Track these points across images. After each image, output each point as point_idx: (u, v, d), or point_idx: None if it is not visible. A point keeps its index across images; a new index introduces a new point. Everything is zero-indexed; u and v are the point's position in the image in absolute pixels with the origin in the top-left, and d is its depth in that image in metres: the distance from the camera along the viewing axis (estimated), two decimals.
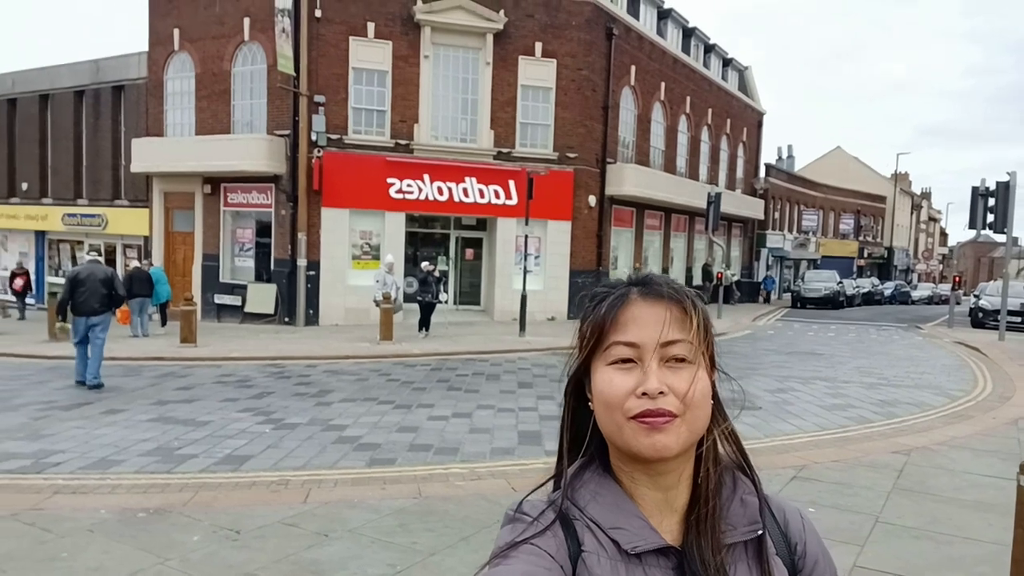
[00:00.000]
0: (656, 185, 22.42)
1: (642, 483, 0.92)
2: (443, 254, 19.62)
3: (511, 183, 18.65)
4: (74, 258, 22.82)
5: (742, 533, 0.92)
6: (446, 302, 18.68)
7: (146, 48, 20.22)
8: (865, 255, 49.51)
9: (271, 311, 17.67)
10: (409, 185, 18.03)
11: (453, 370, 11.66)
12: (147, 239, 20.32)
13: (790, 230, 38.93)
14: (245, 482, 5.75)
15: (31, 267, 23.67)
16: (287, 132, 17.67)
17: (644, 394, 0.86)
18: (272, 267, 18.09)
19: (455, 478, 5.95)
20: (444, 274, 19.14)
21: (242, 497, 5.38)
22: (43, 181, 23.05)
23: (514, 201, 18.56)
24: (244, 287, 18.18)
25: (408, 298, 16.62)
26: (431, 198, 18.24)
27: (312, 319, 17.55)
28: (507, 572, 0.84)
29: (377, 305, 14.38)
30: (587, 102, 19.76)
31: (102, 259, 10.89)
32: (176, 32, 19.48)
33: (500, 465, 6.40)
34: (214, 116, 18.95)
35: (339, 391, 9.78)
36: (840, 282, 31.96)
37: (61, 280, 22.38)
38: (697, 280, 27.86)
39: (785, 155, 45.76)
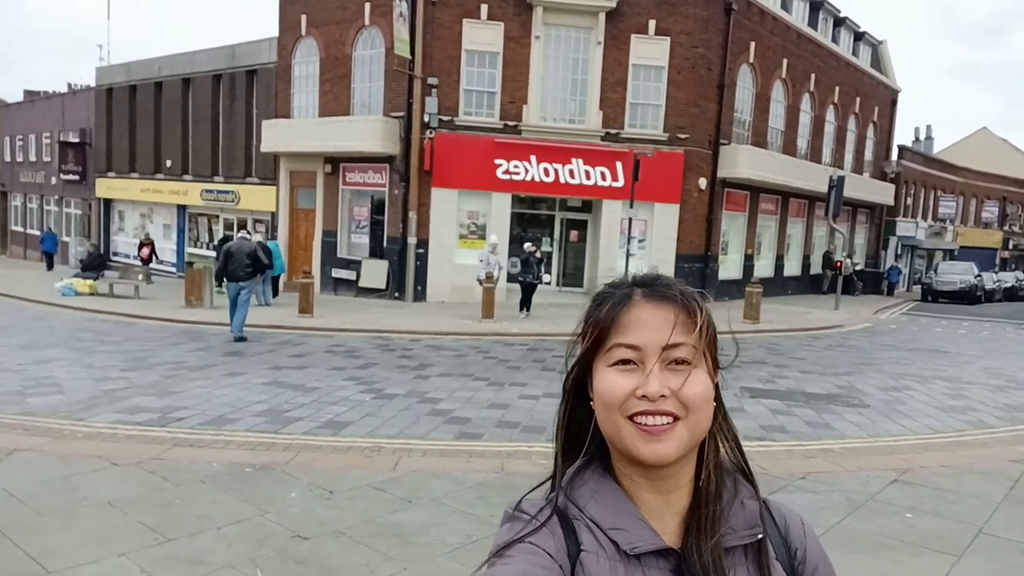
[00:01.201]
0: (773, 167, 21.47)
1: (642, 486, 0.92)
2: (548, 235, 19.71)
3: (618, 165, 18.43)
4: (211, 231, 24.70)
5: (742, 537, 0.92)
6: (549, 283, 18.81)
7: (276, 34, 21.41)
8: (1010, 246, 45.28)
9: (383, 286, 18.45)
10: (516, 166, 18.21)
11: (549, 351, 11.78)
12: (274, 215, 21.68)
13: (924, 217, 36.19)
14: (342, 446, 6.13)
15: (173, 238, 25.88)
16: (402, 114, 18.26)
17: (644, 396, 0.87)
18: (385, 244, 18.85)
19: (538, 456, 6.07)
20: (547, 255, 19.25)
21: (338, 460, 5.75)
22: (184, 159, 25.02)
23: (620, 183, 18.35)
24: (359, 263, 19.06)
25: (511, 278, 16.86)
26: (537, 179, 18.34)
27: (420, 295, 18.18)
28: (506, 571, 0.84)
29: (480, 284, 14.71)
30: (701, 81, 19.15)
31: (250, 236, 13.23)
32: (303, 18, 20.50)
33: None
34: (335, 99, 19.86)
35: (438, 365, 10.14)
36: (978, 275, 29.44)
37: (199, 251, 24.49)
38: (816, 268, 26.52)
39: (923, 136, 42.44)
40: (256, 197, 22.18)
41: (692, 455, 0.92)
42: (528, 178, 18.31)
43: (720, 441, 0.96)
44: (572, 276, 20.08)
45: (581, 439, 0.97)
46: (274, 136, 20.38)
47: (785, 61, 22.62)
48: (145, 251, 23.40)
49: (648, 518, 0.91)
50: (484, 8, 18.11)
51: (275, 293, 17.71)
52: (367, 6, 19.01)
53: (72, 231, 30.80)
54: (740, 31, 20.04)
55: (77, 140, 29.83)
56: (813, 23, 25.46)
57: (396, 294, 18.31)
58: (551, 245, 19.72)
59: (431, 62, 18.03)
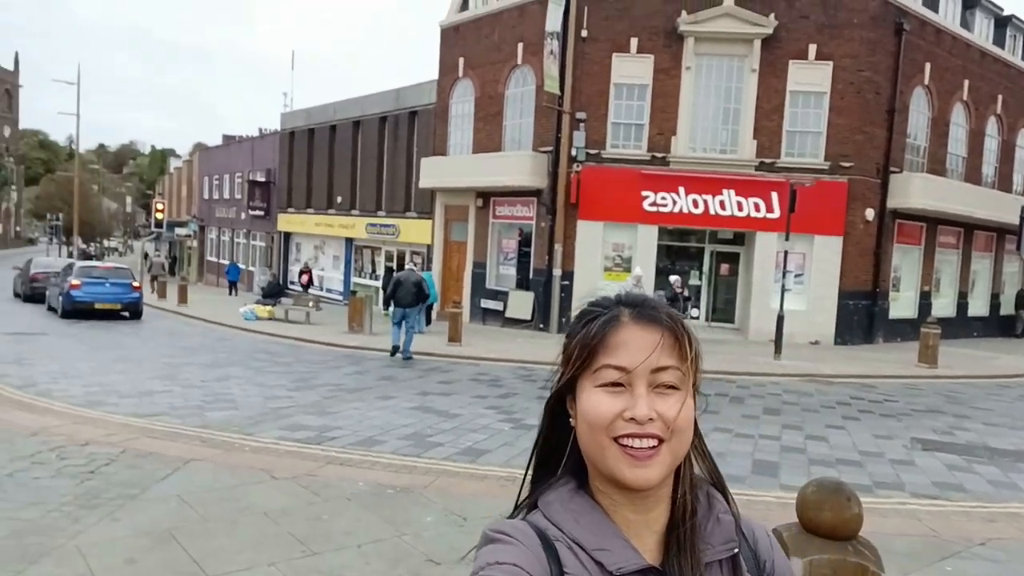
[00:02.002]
0: (952, 197, 19.58)
1: (622, 505, 0.92)
2: (696, 268, 19.18)
3: (773, 195, 17.64)
4: (373, 262, 26.41)
5: (719, 552, 0.94)
6: (697, 318, 18.24)
7: (436, 76, 22.75)
8: None
9: (528, 317, 18.78)
10: (663, 198, 17.96)
11: None
12: (429, 247, 22.81)
13: None
14: (479, 474, 6.28)
15: (341, 269, 27.91)
16: (550, 148, 18.67)
17: (632, 419, 0.87)
18: (531, 275, 19.22)
19: None
20: (696, 289, 18.72)
21: (474, 487, 5.90)
22: (353, 195, 27.03)
23: (776, 214, 17.52)
24: (506, 293, 19.55)
25: None
26: (686, 211, 17.96)
27: (565, 326, 18.17)
28: None
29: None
30: (867, 106, 17.96)
31: (415, 268, 15.08)
32: (461, 61, 21.63)
33: None
34: (488, 136, 20.69)
35: None
36: None
37: (363, 280, 26.23)
38: (1007, 309, 23.72)
39: None
40: (414, 230, 23.46)
41: (671, 475, 0.93)
42: (676, 210, 17.98)
43: (695, 459, 0.96)
44: (723, 311, 19.36)
45: (556, 457, 0.97)
46: (431, 172, 21.54)
47: (967, 82, 20.70)
48: (304, 278, 25.90)
49: (628, 537, 0.91)
50: (634, 42, 18.19)
51: (428, 321, 18.55)
52: (520, 46, 19.72)
53: (257, 261, 34.10)
54: (913, 52, 18.63)
55: (263, 179, 33.16)
56: (999, 41, 23.15)
57: (541, 325, 18.55)
58: (700, 278, 19.16)
59: (580, 97, 18.32)
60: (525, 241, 19.72)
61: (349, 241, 27.37)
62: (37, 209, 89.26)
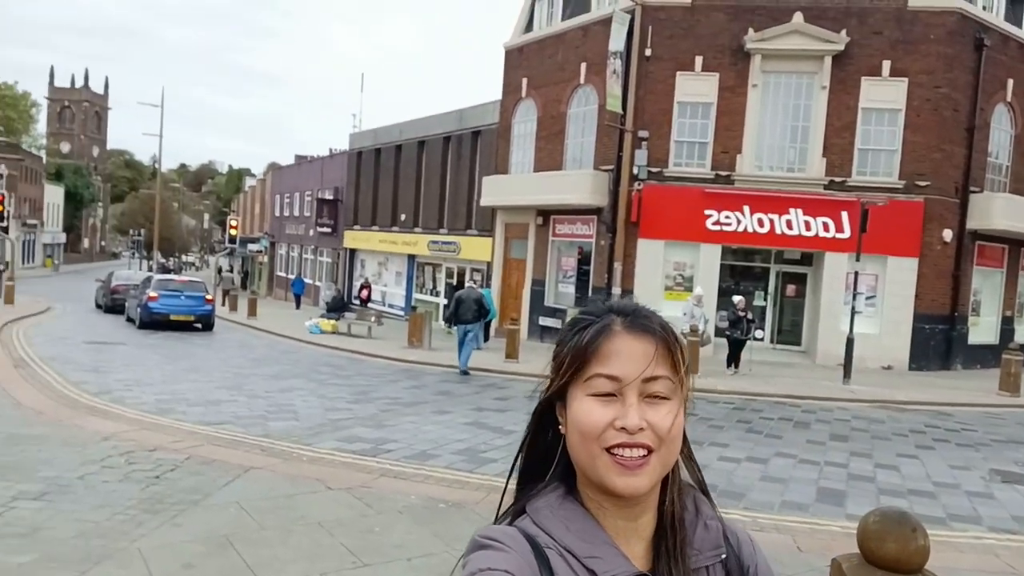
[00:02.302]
0: None
1: (611, 512, 0.92)
2: (762, 289, 18.69)
3: (843, 214, 17.06)
4: (434, 279, 26.76)
5: (707, 557, 0.95)
6: (761, 339, 17.74)
7: (499, 97, 23.01)
8: None
9: None
10: (727, 217, 17.60)
11: (758, 412, 11.06)
12: (489, 264, 22.96)
13: None
14: None
15: (403, 285, 28.37)
16: (611, 167, 18.59)
17: (623, 428, 0.86)
18: (590, 294, 19.08)
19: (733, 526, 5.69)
20: (760, 310, 18.22)
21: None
22: (416, 213, 27.51)
23: (846, 234, 16.93)
24: (564, 311, 19.46)
25: (719, 332, 16.17)
26: (750, 230, 17.55)
27: None
28: None
29: (684, 338, 14.27)
30: (945, 123, 17.23)
31: (476, 285, 15.33)
32: (524, 81, 21.83)
33: (788, 520, 5.95)
34: (549, 154, 20.76)
35: None
36: None
37: (424, 296, 26.59)
38: None
39: None
40: (474, 248, 23.68)
41: (659, 482, 0.93)
42: (740, 229, 17.60)
43: (682, 463, 0.98)
44: (789, 333, 18.78)
45: (544, 463, 0.98)
46: (493, 191, 21.73)
47: None
48: (364, 293, 26.50)
49: (618, 543, 0.91)
50: (699, 60, 18.00)
51: (486, 338, 18.62)
52: (583, 66, 19.76)
53: (323, 277, 35.01)
54: (994, 68, 17.81)
55: (331, 197, 34.11)
56: None
57: None
58: (765, 299, 18.65)
59: (642, 115, 18.21)
60: (584, 259, 19.64)
61: (411, 258, 27.81)
62: (121, 225, 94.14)
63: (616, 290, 18.13)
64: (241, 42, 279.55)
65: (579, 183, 18.83)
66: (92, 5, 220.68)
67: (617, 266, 18.18)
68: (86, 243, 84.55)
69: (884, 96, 17.30)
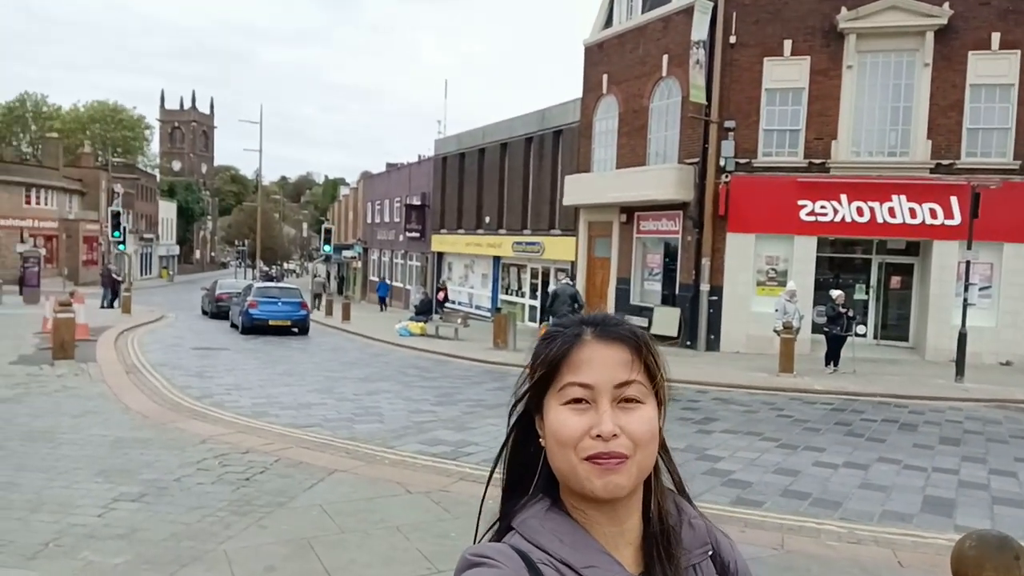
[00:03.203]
0: None
1: (596, 519, 0.93)
2: (863, 281, 17.67)
3: (952, 200, 15.90)
4: (519, 279, 26.82)
5: (696, 556, 0.97)
6: (864, 335, 16.78)
7: (580, 95, 22.83)
8: None
9: (674, 334, 18.17)
10: (823, 207, 16.74)
11: (859, 413, 10.43)
12: (573, 264, 22.81)
13: None
14: None
15: (488, 286, 28.62)
16: (696, 160, 18.06)
17: (598, 436, 0.88)
18: (677, 291, 18.63)
19: (828, 536, 5.37)
20: (862, 304, 17.24)
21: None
22: (500, 215, 27.68)
23: (956, 221, 15.77)
24: (651, 310, 19.07)
25: (816, 329, 15.41)
26: (848, 220, 16.62)
27: (713, 344, 17.51)
28: None
29: (777, 334, 13.69)
30: None
31: (572, 282, 15.85)
32: (605, 77, 21.55)
33: (889, 532, 5.55)
34: (632, 150, 20.40)
35: (723, 421, 9.60)
36: None
37: (510, 298, 26.72)
38: None
39: None
40: (558, 247, 23.57)
41: (640, 485, 0.94)
42: (837, 219, 16.71)
43: (663, 469, 1.00)
44: (895, 328, 17.69)
45: (527, 478, 0.99)
46: (575, 190, 21.57)
47: None
48: (441, 294, 27.10)
49: (609, 551, 0.92)
50: (787, 44, 17.22)
51: None
52: (665, 58, 19.31)
53: (412, 280, 35.82)
54: None
55: (419, 202, 34.84)
56: None
57: (688, 342, 17.88)
58: (867, 292, 17.64)
59: (728, 105, 17.60)
60: (670, 256, 19.18)
61: (497, 259, 28.00)
62: (229, 236, 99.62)
63: (704, 287, 17.60)
64: (333, 59, 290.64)
65: (663, 178, 18.40)
66: (198, 32, 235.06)
67: (705, 262, 17.64)
68: (197, 254, 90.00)
69: (994, 71, 16.03)
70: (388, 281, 37.48)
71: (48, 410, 8.64)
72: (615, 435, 0.87)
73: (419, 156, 40.37)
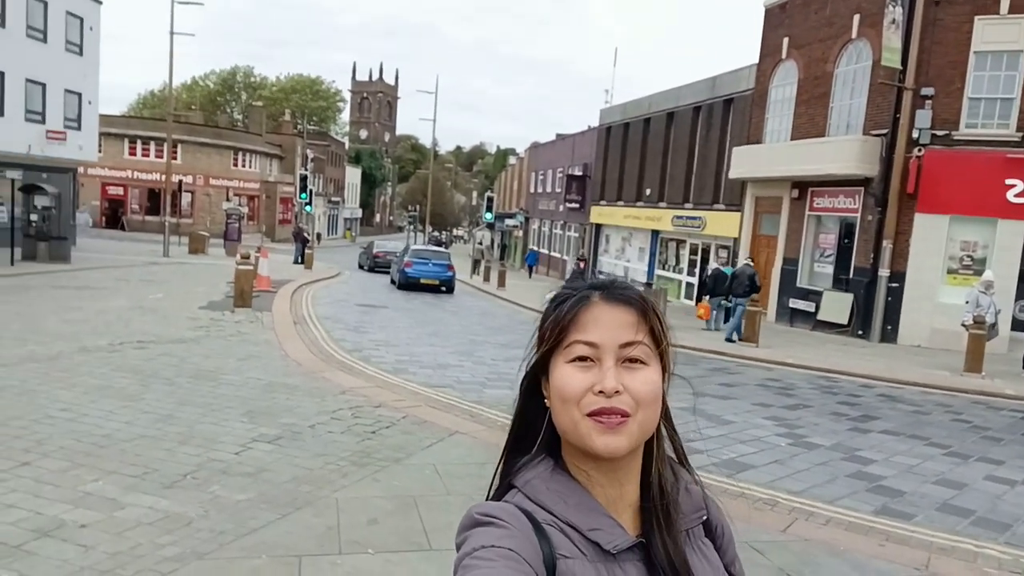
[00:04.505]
0: None
1: (598, 480, 0.95)
2: None
3: None
4: (677, 255, 25.88)
5: (691, 521, 1.00)
6: None
7: (755, 61, 21.35)
8: None
9: (844, 322, 16.68)
10: None
11: None
12: (736, 241, 21.60)
13: None
14: (733, 491, 5.65)
15: (645, 261, 27.92)
16: (884, 131, 16.28)
17: (601, 392, 0.89)
18: (851, 275, 17.04)
19: (987, 562, 4.65)
20: None
21: (723, 505, 5.31)
22: (661, 187, 26.77)
23: None
24: (819, 294, 17.63)
25: (1016, 325, 13.46)
26: None
27: (889, 335, 15.86)
28: (493, 574, 0.81)
29: (966, 329, 12.09)
30: None
31: (751, 263, 16.00)
32: (785, 41, 19.98)
33: None
34: (810, 120, 18.80)
35: (885, 420, 8.66)
36: None
37: (668, 273, 25.93)
38: None
39: None
40: (720, 223, 22.41)
41: (640, 448, 0.95)
42: None
43: (664, 435, 1.01)
44: None
45: (529, 438, 1.00)
46: (743, 162, 20.33)
47: None
48: (581, 264, 27.15)
49: (611, 513, 0.94)
50: (1005, 1, 14.91)
51: (726, 319, 17.56)
52: (855, 18, 17.51)
53: (570, 251, 35.83)
54: None
55: (580, 173, 34.62)
56: None
57: (859, 331, 16.34)
58: None
59: (927, 70, 15.63)
60: (846, 236, 17.55)
61: (655, 233, 27.19)
62: (405, 201, 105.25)
63: (883, 271, 15.95)
64: (512, 32, 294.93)
65: (844, 150, 16.79)
66: (390, 10, 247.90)
67: (887, 244, 15.95)
68: (377, 218, 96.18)
69: None
70: (538, 250, 38.88)
71: (218, 352, 9.57)
72: (618, 391, 0.89)
73: (588, 126, 40.04)
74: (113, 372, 7.92)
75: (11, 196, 19.70)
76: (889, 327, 15.93)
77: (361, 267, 32.60)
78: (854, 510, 5.46)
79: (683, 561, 0.94)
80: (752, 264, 15.87)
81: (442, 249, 28.02)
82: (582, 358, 0.92)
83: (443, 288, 23.39)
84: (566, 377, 0.92)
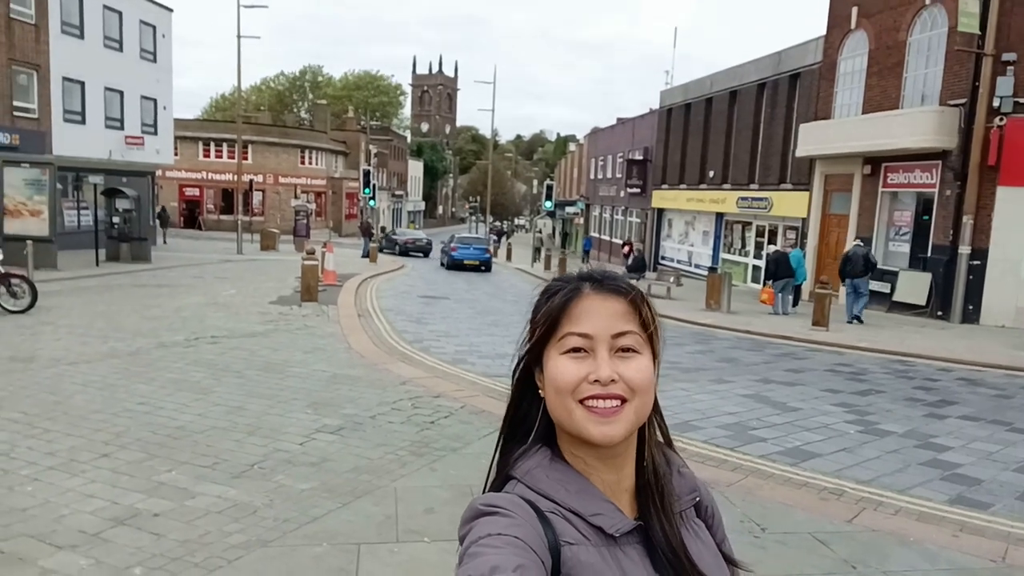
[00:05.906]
0: None
1: (595, 466, 0.97)
2: None
3: None
4: (743, 238, 25.21)
5: (685, 502, 1.03)
6: None
7: (822, 33, 20.53)
8: None
9: (922, 302, 15.94)
10: None
11: None
12: (804, 221, 20.88)
13: None
14: (797, 480, 5.52)
15: (710, 244, 27.32)
16: (962, 101, 15.42)
17: (596, 381, 0.91)
18: (929, 253, 16.25)
19: None
20: None
21: (786, 494, 5.20)
22: (725, 169, 26.11)
23: None
24: (894, 273, 16.87)
25: None
26: None
27: (971, 316, 15.07)
28: (499, 559, 0.81)
29: None
30: None
31: (862, 244, 15.78)
32: (854, 10, 19.14)
33: None
34: (882, 92, 17.98)
35: (964, 405, 8.25)
36: None
37: (732, 256, 25.30)
38: None
39: None
40: (788, 203, 21.70)
41: (634, 435, 0.97)
42: None
43: (656, 423, 1.03)
44: None
45: (524, 429, 1.02)
46: (811, 139, 19.62)
47: None
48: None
49: (610, 498, 0.96)
50: None
51: (795, 302, 17.04)
52: None
53: (632, 237, 35.39)
54: None
55: (640, 157, 34.08)
56: None
57: (939, 312, 15.58)
58: None
59: (1008, 34, 14.71)
60: (923, 212, 16.74)
61: (719, 216, 26.55)
62: (466, 192, 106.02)
63: (964, 248, 15.15)
64: (568, 15, 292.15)
65: (919, 122, 16.00)
66: (445, 0, 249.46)
67: (967, 220, 15.14)
68: (440, 209, 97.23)
69: None
70: (598, 236, 39.74)
71: (286, 345, 9.89)
72: (613, 380, 0.91)
73: (649, 109, 39.37)
74: (188, 366, 8.29)
75: (94, 200, 20.81)
76: (971, 307, 15.13)
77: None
78: (926, 499, 5.23)
79: (680, 542, 0.96)
80: (863, 244, 15.83)
81: (480, 236, 33.46)
82: (576, 349, 0.94)
83: (482, 267, 27.84)
84: (561, 368, 0.94)
